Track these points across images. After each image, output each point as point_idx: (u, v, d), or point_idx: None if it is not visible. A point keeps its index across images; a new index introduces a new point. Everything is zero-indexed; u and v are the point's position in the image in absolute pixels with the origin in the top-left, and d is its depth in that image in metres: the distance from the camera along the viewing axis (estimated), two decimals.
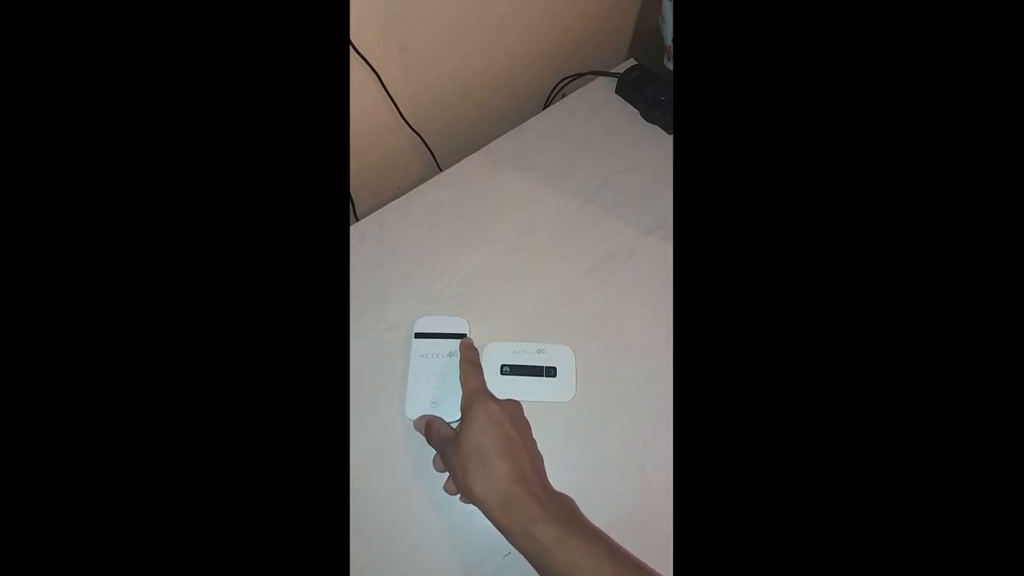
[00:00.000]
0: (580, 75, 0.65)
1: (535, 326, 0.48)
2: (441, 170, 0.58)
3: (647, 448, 0.43)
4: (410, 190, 0.55)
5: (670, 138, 0.58)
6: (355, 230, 0.53)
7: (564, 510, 0.35)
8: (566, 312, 0.49)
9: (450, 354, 0.46)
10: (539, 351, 0.46)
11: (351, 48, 0.48)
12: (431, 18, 0.53)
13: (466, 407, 0.38)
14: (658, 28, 0.56)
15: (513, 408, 0.39)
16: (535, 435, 0.44)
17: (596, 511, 0.41)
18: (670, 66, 0.57)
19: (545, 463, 0.43)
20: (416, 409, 0.44)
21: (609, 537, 0.37)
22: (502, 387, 0.45)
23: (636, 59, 0.62)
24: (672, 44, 0.55)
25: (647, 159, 0.57)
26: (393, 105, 0.57)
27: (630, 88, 0.59)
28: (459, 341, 0.45)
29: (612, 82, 0.61)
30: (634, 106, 0.60)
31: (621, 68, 0.61)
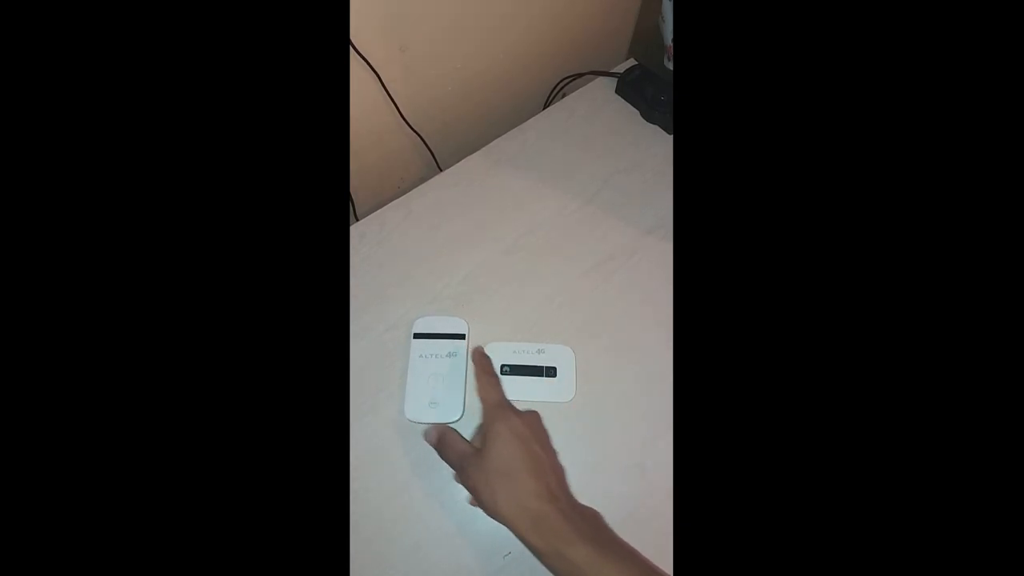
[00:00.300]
0: (580, 75, 0.65)
1: (535, 326, 0.48)
2: (441, 170, 0.58)
3: (647, 448, 0.43)
4: (410, 190, 0.55)
5: (670, 138, 0.58)
6: (355, 230, 0.53)
7: (593, 527, 0.35)
8: (566, 312, 0.49)
9: (449, 354, 0.46)
10: (539, 351, 0.46)
11: (351, 48, 0.48)
12: (431, 18, 0.53)
13: (488, 422, 0.38)
14: (658, 28, 0.56)
15: (534, 421, 0.39)
16: None
17: (597, 511, 0.41)
18: (670, 66, 0.57)
19: None
20: (415, 409, 0.44)
21: (641, 555, 0.37)
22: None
23: (636, 59, 0.62)
24: (672, 44, 0.55)
25: (647, 159, 0.57)
26: (393, 105, 0.57)
27: (630, 88, 0.59)
28: (471, 349, 0.45)
29: (612, 82, 0.61)
30: (634, 106, 0.60)
31: (621, 68, 0.61)
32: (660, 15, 0.55)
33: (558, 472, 0.37)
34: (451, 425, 0.44)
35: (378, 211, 0.54)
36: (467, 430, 0.44)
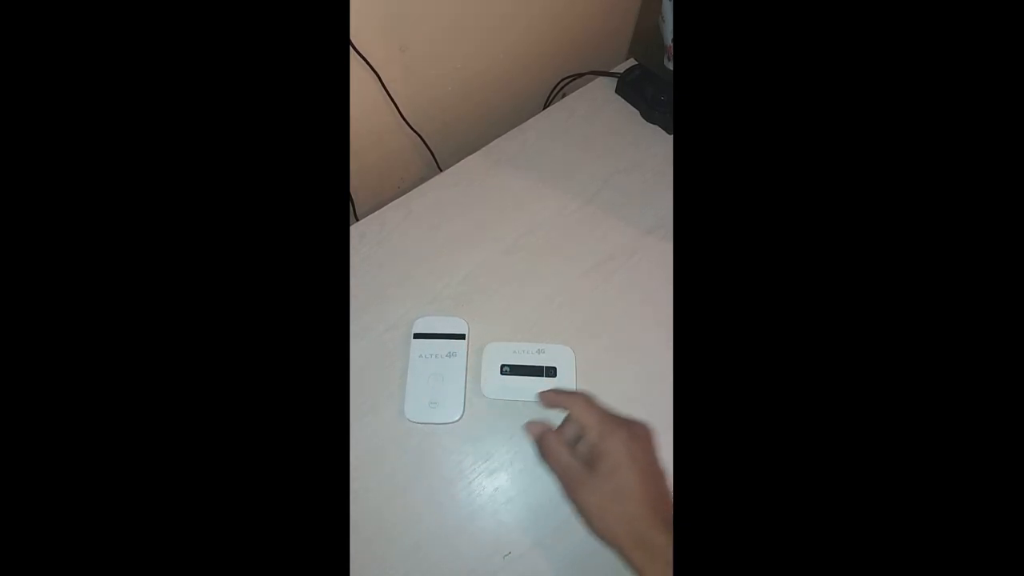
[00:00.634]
0: (580, 75, 0.65)
1: (535, 326, 0.48)
2: (441, 170, 0.58)
3: None
4: (410, 190, 0.55)
5: (670, 138, 0.58)
6: (355, 230, 0.53)
7: None
8: (566, 312, 0.49)
9: (449, 354, 0.46)
10: (539, 351, 0.46)
11: (351, 48, 0.48)
12: (431, 18, 0.53)
13: (598, 439, 0.36)
14: (658, 28, 0.56)
15: (648, 440, 0.37)
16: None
17: None
18: (670, 66, 0.57)
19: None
20: (415, 409, 0.44)
21: None
22: (502, 387, 0.45)
23: (636, 59, 0.62)
24: (672, 44, 0.55)
25: (647, 159, 0.57)
26: (393, 105, 0.57)
27: (630, 88, 0.59)
28: (539, 394, 0.42)
29: (612, 82, 0.61)
30: (634, 106, 0.60)
31: (621, 68, 0.61)
32: (660, 15, 0.55)
33: (669, 498, 0.36)
34: (452, 424, 0.44)
35: (378, 211, 0.54)
36: (468, 429, 0.44)
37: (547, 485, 0.42)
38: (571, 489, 0.36)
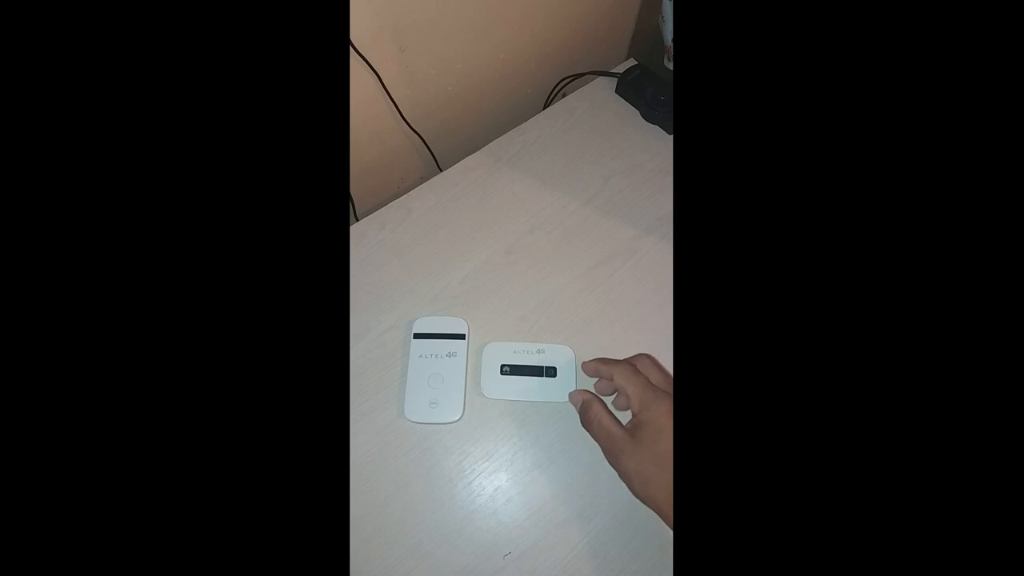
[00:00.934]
0: (580, 75, 0.65)
1: (535, 326, 0.48)
2: (441, 170, 0.58)
3: None
4: (410, 190, 0.55)
5: (670, 138, 0.58)
6: (355, 230, 0.53)
7: None
8: (566, 312, 0.49)
9: (449, 354, 0.46)
10: (539, 351, 0.46)
11: (351, 48, 0.48)
12: (431, 18, 0.53)
13: (642, 407, 0.37)
14: (658, 28, 0.56)
15: None
16: (533, 436, 0.44)
17: (596, 511, 0.41)
18: (670, 66, 0.58)
19: (545, 463, 0.43)
20: (415, 409, 0.44)
21: None
22: (502, 387, 0.45)
23: (636, 59, 0.62)
24: (672, 44, 0.55)
25: (647, 159, 0.57)
26: (393, 105, 0.57)
27: (630, 88, 0.59)
28: (581, 365, 0.43)
29: (612, 82, 0.61)
30: (634, 106, 0.60)
31: (621, 68, 0.61)
32: (660, 15, 0.55)
33: None
34: (452, 424, 0.44)
35: (378, 211, 0.54)
36: (468, 429, 0.44)
37: (547, 485, 0.42)
38: (613, 456, 0.37)
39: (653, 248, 0.52)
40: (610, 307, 0.49)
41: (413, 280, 0.50)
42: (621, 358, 0.46)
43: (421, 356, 0.46)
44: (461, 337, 0.47)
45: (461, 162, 0.57)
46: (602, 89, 0.62)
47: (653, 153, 0.57)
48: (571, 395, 0.42)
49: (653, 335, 0.47)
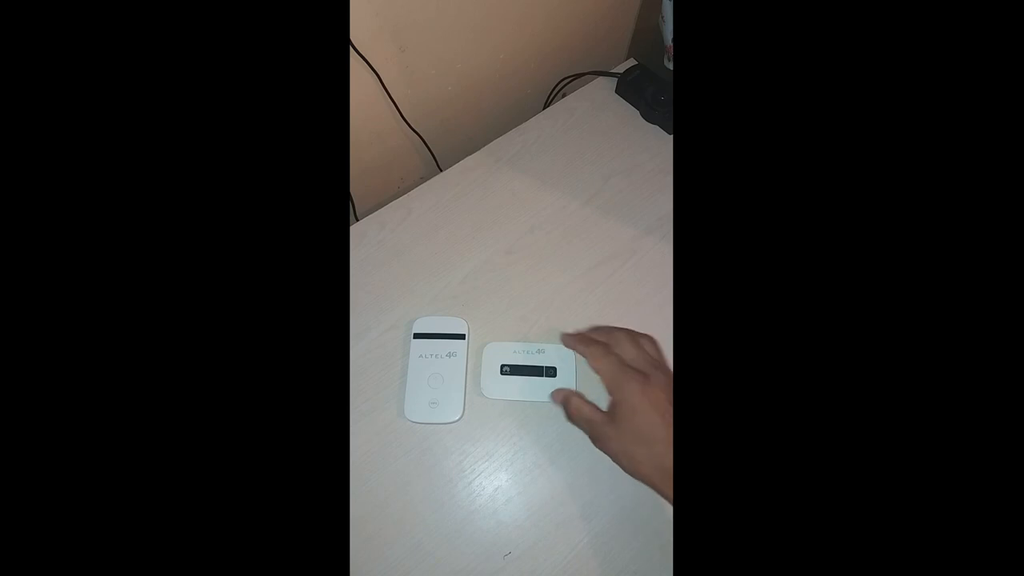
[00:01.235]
0: (580, 75, 0.65)
1: (535, 326, 0.48)
2: (441, 170, 0.58)
3: None
4: (410, 190, 0.55)
5: (670, 138, 0.58)
6: (355, 230, 0.53)
7: None
8: (566, 312, 0.49)
9: (449, 355, 0.46)
10: (539, 351, 0.46)
11: (351, 48, 0.48)
12: (431, 18, 0.53)
13: (615, 388, 0.38)
14: (658, 28, 0.56)
15: (661, 380, 0.38)
16: (533, 436, 0.44)
17: (596, 511, 0.41)
18: (670, 66, 0.57)
19: (545, 463, 0.43)
20: (415, 409, 0.44)
21: None
22: (502, 387, 0.45)
23: (636, 59, 0.62)
24: (672, 44, 0.55)
25: (647, 159, 0.57)
26: (393, 105, 0.57)
27: (630, 88, 0.59)
28: (561, 336, 0.44)
29: (612, 82, 0.61)
30: (634, 106, 0.60)
31: (621, 68, 0.61)
32: (660, 15, 0.55)
33: None
34: (452, 424, 0.44)
35: (378, 211, 0.54)
36: (468, 429, 0.44)
37: (547, 485, 0.42)
38: (598, 440, 0.39)
39: (653, 248, 0.52)
40: (610, 307, 0.49)
41: (413, 280, 0.50)
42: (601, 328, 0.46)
43: (421, 356, 0.46)
44: (461, 337, 0.47)
45: (461, 162, 0.57)
46: (602, 89, 0.62)
47: (653, 153, 0.57)
48: (552, 395, 0.43)
49: (653, 335, 0.47)
